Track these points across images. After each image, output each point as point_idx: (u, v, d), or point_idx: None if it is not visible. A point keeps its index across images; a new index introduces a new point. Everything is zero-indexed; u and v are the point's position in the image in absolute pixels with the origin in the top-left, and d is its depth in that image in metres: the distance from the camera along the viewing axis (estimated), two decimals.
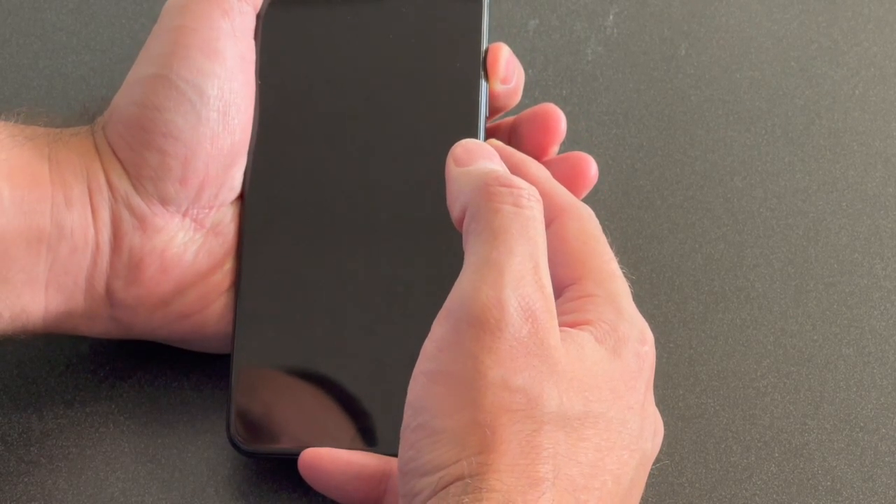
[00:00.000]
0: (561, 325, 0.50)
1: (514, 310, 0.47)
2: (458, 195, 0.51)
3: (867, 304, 0.63)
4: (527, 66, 0.68)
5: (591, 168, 0.60)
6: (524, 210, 0.49)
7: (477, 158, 0.52)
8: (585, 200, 0.58)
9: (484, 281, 0.48)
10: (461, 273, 0.49)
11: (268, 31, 0.60)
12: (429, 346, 0.48)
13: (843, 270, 0.64)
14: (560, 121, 0.60)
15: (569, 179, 0.59)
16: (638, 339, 0.51)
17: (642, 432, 0.50)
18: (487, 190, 0.50)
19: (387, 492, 0.53)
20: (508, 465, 0.46)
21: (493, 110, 0.60)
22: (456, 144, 0.52)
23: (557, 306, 0.51)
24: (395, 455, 0.50)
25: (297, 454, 0.55)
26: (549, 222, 0.53)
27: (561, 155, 0.60)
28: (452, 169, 0.51)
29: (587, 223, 0.53)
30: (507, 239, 0.48)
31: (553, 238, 0.53)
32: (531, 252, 0.49)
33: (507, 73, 0.59)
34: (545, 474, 0.46)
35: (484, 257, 0.48)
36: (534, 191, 0.50)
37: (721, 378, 0.61)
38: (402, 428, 0.48)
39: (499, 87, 0.59)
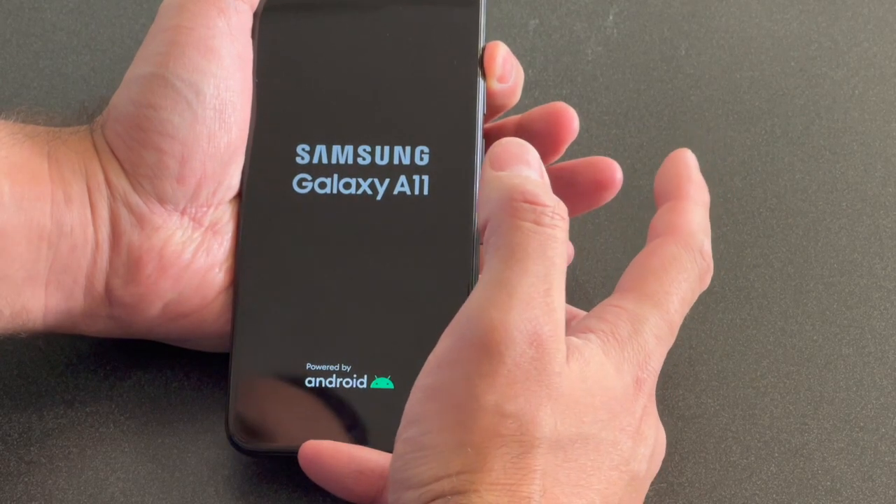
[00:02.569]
0: (581, 327, 0.50)
1: (518, 334, 0.47)
2: (484, 203, 0.50)
3: (867, 304, 0.63)
4: (527, 66, 0.68)
5: (616, 173, 0.60)
6: (545, 229, 0.49)
7: (514, 162, 0.51)
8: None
9: (492, 302, 0.48)
10: (475, 288, 0.49)
11: (265, 29, 0.60)
12: (431, 359, 0.48)
13: (843, 270, 0.64)
14: (573, 119, 0.60)
15: (592, 184, 0.60)
16: (639, 364, 0.51)
17: (635, 454, 0.50)
18: (511, 205, 0.49)
19: (386, 487, 0.53)
20: (491, 484, 0.46)
21: (492, 109, 0.60)
22: (496, 142, 0.52)
23: (596, 307, 0.52)
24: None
25: (297, 452, 0.55)
26: (659, 234, 0.54)
27: (586, 159, 0.60)
28: (487, 171, 0.51)
29: (685, 256, 0.53)
30: (523, 258, 0.48)
31: (648, 248, 0.53)
32: (546, 273, 0.48)
33: (504, 71, 0.59)
34: (531, 493, 0.46)
35: (497, 276, 0.48)
36: (560, 208, 0.50)
37: (721, 378, 0.61)
38: (396, 435, 0.48)
39: (496, 86, 0.59)
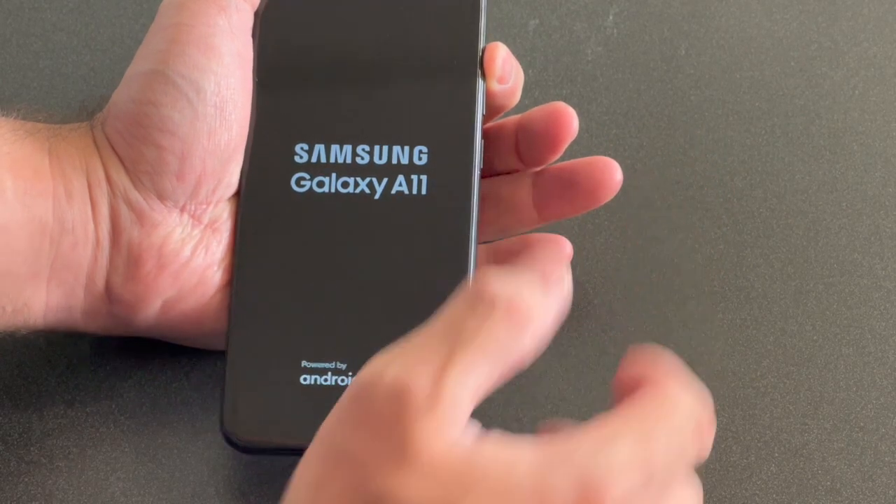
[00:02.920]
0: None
1: (385, 387, 0.43)
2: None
3: (867, 304, 0.63)
4: (527, 66, 0.67)
5: (616, 173, 0.60)
6: (477, 308, 0.44)
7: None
8: None
9: (385, 353, 0.45)
10: None
11: (266, 28, 0.60)
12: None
13: (843, 270, 0.64)
14: (573, 119, 0.60)
15: (592, 184, 0.59)
16: (586, 481, 0.43)
17: None
18: (462, 290, 0.45)
19: None
20: None
21: (492, 110, 0.60)
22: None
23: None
24: None
25: (291, 450, 0.55)
26: (655, 383, 0.46)
27: (586, 158, 0.60)
28: None
29: (682, 402, 0.45)
30: (439, 324, 0.45)
31: (644, 392, 0.45)
32: (454, 341, 0.44)
33: (504, 72, 0.59)
34: None
35: (411, 336, 0.45)
36: (518, 301, 0.45)
37: (721, 378, 0.61)
38: None
39: (496, 87, 0.59)
